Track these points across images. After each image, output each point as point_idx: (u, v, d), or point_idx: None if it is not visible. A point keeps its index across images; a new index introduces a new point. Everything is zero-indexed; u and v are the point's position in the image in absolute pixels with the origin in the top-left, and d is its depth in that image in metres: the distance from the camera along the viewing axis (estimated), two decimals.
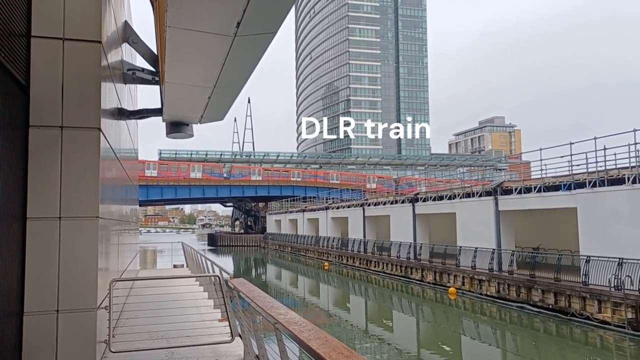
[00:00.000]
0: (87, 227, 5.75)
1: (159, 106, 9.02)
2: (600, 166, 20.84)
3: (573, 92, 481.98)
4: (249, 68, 6.17)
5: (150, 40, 8.93)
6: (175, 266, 20.86)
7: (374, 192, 65.17)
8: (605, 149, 20.59)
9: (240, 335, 7.34)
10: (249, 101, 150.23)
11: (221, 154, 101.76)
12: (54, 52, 5.71)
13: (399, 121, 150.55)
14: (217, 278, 7.91)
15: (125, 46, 9.15)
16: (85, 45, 5.87)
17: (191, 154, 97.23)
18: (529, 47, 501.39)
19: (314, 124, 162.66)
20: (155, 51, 8.70)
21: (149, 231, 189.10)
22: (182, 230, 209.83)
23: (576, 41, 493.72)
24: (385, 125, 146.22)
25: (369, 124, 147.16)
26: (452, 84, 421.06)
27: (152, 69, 8.92)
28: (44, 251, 5.52)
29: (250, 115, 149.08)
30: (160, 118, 9.46)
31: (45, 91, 5.65)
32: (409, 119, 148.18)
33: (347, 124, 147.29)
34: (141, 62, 9.40)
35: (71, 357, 5.53)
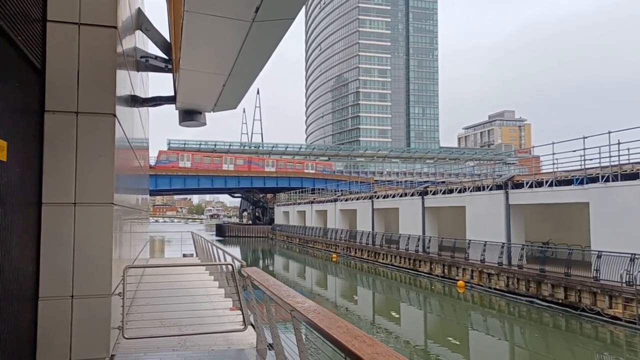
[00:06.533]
0: (102, 213, 5.74)
1: (172, 94, 8.98)
2: (614, 161, 20.62)
3: (596, 90, 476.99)
4: (265, 55, 6.10)
5: (162, 27, 8.88)
6: (184, 255, 20.91)
7: (373, 182, 64.96)
8: (619, 143, 20.37)
9: (252, 325, 7.34)
10: (258, 92, 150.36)
11: (230, 145, 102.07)
12: (69, 37, 5.67)
13: (408, 114, 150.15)
14: (230, 267, 7.89)
15: (138, 33, 9.09)
16: (101, 30, 5.83)
17: (200, 144, 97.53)
18: (556, 43, 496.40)
19: (323, 116, 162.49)
20: (168, 39, 8.65)
21: (157, 221, 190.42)
22: (190, 220, 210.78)
23: (606, 37, 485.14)
24: (395, 117, 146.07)
25: (378, 116, 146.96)
26: (472, 80, 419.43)
27: (164, 56, 8.88)
28: (58, 236, 5.52)
29: (260, 107, 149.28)
30: (171, 108, 9.45)
31: (60, 76, 5.62)
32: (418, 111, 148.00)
33: (356, 116, 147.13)
34: (153, 50, 9.36)
35: (85, 342, 5.54)
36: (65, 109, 5.62)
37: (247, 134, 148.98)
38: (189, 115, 8.97)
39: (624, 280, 18.02)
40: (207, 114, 9.81)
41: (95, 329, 5.63)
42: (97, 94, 5.78)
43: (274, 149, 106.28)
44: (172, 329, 7.46)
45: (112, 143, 5.85)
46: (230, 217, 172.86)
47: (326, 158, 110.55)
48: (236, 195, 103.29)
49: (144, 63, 9.02)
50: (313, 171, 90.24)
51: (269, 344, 6.28)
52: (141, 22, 8.95)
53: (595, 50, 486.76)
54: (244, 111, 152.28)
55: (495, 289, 25.17)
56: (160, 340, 6.82)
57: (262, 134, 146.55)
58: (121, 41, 6.39)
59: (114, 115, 5.88)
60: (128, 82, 7.66)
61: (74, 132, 5.64)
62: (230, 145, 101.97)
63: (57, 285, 5.47)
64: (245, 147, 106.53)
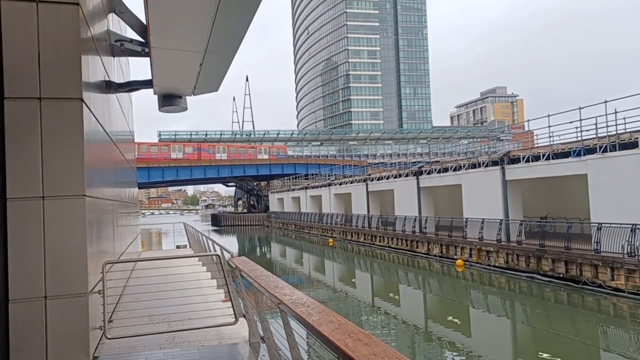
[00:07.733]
0: (73, 206, 5.30)
1: (149, 78, 8.49)
2: (611, 131, 20.24)
3: (588, 61, 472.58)
4: (241, 29, 5.64)
5: (138, 10, 8.38)
6: (178, 247, 20.64)
7: (366, 164, 64.64)
8: (615, 112, 19.99)
9: (244, 316, 6.96)
10: (247, 80, 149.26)
11: (221, 134, 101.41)
12: (27, 16, 5.18)
13: (399, 94, 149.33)
14: (218, 257, 7.49)
15: (112, 17, 8.60)
16: (62, 7, 5.34)
17: (191, 134, 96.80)
18: (553, 22, 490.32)
19: (313, 101, 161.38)
20: (144, 21, 8.15)
21: (152, 213, 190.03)
22: (186, 211, 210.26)
23: (604, 10, 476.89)
24: (386, 99, 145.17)
25: (369, 98, 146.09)
26: (465, 58, 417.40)
27: (141, 39, 8.39)
28: (27, 233, 5.09)
29: (249, 94, 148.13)
30: (154, 98, 8.98)
31: (20, 60, 5.14)
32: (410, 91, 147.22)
33: (347, 99, 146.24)
34: (131, 35, 8.87)
35: (63, 345, 5.15)
36: (27, 95, 5.15)
37: (238, 122, 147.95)
38: (169, 100, 8.49)
39: (625, 252, 17.77)
40: (190, 98, 9.34)
41: (72, 331, 5.23)
42: (61, 77, 5.30)
43: (265, 136, 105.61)
44: (160, 325, 7.08)
45: (81, 129, 5.38)
46: (225, 206, 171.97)
47: (318, 143, 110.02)
48: (230, 184, 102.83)
49: (119, 47, 8.52)
50: (267, 156, 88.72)
51: (262, 337, 5.91)
52: (114, 4, 8.43)
53: (593, 24, 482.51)
54: (234, 99, 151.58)
55: (494, 266, 24.95)
56: (147, 338, 6.43)
57: (252, 121, 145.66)
58: (87, 19, 5.90)
59: (82, 100, 5.41)
60: (100, 66, 7.18)
61: (37, 120, 5.17)
62: (221, 134, 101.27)
63: (28, 286, 5.06)
64: (237, 136, 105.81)
